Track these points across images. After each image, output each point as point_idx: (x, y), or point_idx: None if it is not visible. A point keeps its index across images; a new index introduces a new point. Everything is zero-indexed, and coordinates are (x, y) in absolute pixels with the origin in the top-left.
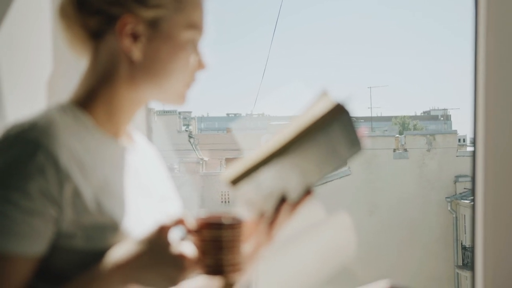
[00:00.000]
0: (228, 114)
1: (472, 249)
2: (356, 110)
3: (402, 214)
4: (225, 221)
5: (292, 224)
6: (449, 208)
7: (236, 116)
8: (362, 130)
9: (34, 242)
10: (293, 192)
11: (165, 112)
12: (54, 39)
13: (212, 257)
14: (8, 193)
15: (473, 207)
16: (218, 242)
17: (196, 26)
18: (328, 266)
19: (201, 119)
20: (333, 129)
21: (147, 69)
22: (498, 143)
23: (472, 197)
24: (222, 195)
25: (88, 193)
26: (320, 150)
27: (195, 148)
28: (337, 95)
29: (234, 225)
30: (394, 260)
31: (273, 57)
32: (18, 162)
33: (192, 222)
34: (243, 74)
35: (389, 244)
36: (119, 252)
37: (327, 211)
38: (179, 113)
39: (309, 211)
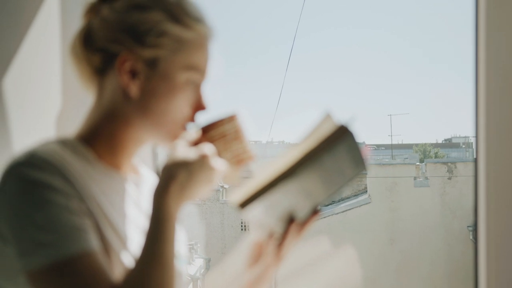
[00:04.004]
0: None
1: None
2: (376, 137)
3: (423, 243)
4: (223, 117)
5: (299, 257)
6: (471, 237)
7: (257, 143)
8: (366, 150)
9: (92, 236)
10: (301, 212)
11: None
12: (63, 76)
13: (228, 151)
14: (46, 201)
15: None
16: (226, 136)
17: (196, 68)
18: None
19: None
20: (338, 150)
21: (143, 107)
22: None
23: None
24: (242, 222)
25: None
26: (326, 171)
27: None
28: (340, 117)
29: (233, 117)
30: None
31: (289, 81)
32: (39, 177)
33: (197, 131)
34: (259, 96)
35: (410, 273)
36: (157, 191)
37: (347, 240)
38: None
39: (316, 244)
